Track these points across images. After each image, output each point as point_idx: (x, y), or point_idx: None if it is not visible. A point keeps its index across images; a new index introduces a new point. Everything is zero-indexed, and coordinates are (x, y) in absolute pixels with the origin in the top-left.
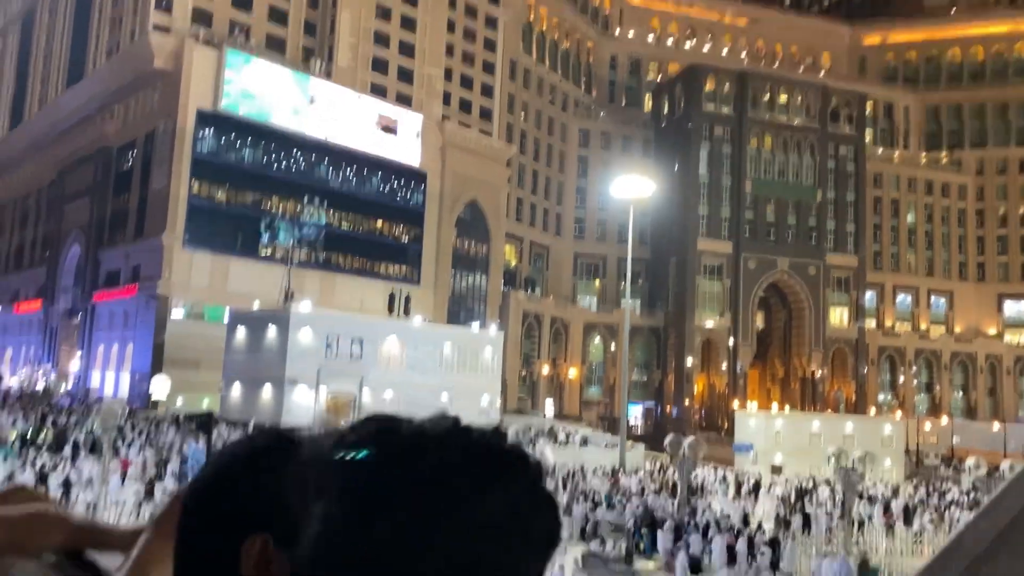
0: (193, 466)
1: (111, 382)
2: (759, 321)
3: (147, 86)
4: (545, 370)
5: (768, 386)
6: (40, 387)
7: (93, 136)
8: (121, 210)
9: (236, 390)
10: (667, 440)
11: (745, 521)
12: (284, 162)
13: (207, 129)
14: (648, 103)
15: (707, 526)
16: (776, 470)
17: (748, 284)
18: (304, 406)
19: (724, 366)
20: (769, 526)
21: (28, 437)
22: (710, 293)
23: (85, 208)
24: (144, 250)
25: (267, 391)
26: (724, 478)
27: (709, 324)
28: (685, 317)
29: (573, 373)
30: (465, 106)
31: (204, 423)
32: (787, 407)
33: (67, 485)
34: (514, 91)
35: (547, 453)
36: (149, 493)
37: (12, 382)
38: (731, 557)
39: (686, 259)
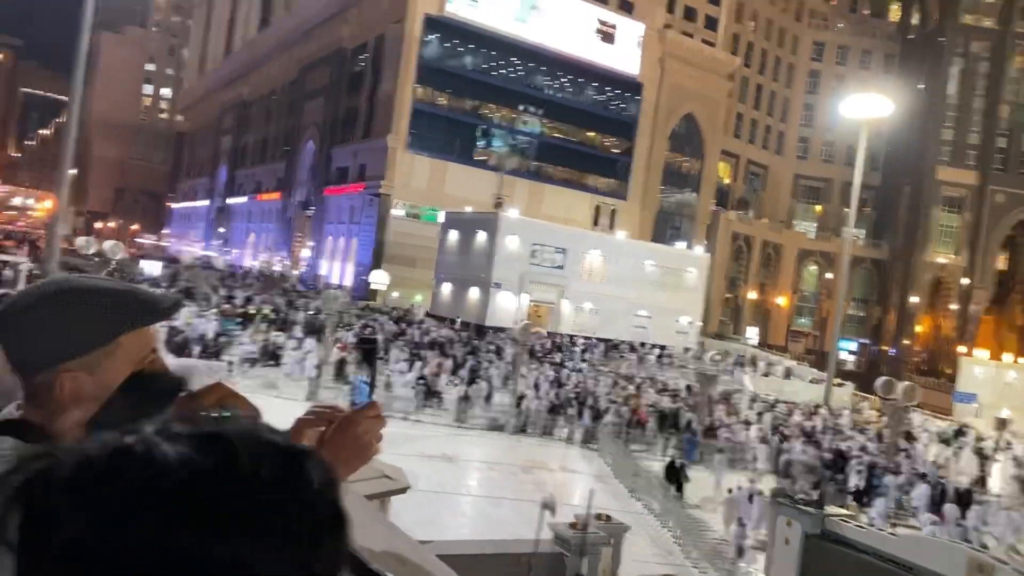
0: (357, 397)
1: (337, 272)
2: (1001, 262)
3: None
4: (752, 295)
5: (1004, 335)
6: (276, 270)
7: (331, 38)
8: (352, 110)
9: (446, 289)
10: (878, 382)
11: (981, 482)
12: (503, 69)
13: (433, 34)
14: (895, 13)
15: (918, 475)
16: (1001, 424)
17: (993, 220)
18: (507, 310)
19: (954, 308)
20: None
21: (260, 313)
22: (946, 227)
23: (320, 107)
24: (370, 150)
25: (474, 293)
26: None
27: (941, 260)
28: (914, 251)
29: (782, 301)
30: (690, 14)
31: (368, 353)
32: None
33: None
34: None
35: (745, 382)
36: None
37: (254, 264)
38: (936, 510)
39: (922, 188)
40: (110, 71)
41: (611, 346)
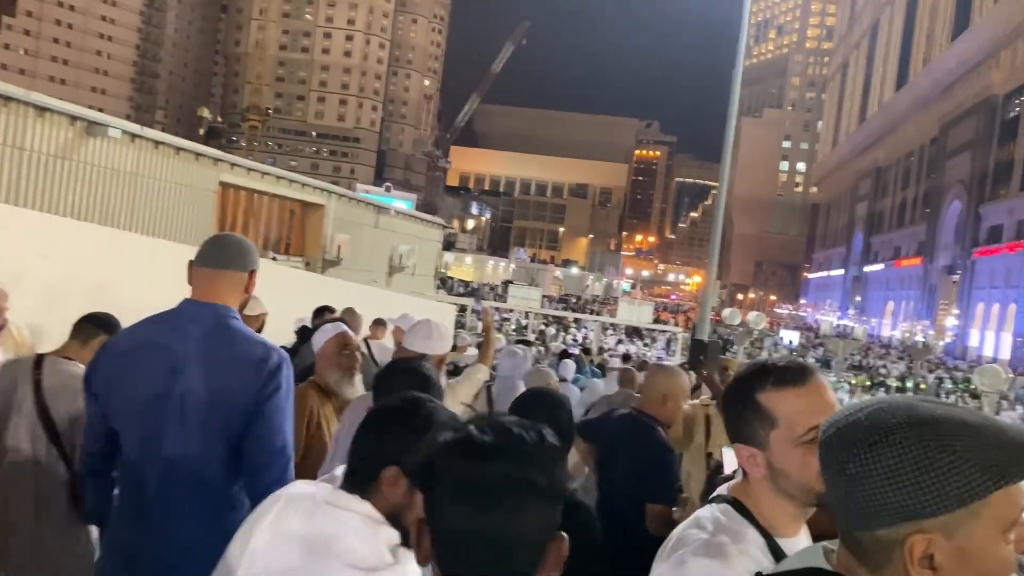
0: None
1: (991, 343)
2: None
3: None
4: None
5: None
6: (919, 340)
7: (977, 87)
8: (1005, 162)
9: None
10: None
11: None
12: None
13: None
14: None
15: None
16: None
17: None
18: None
19: None
20: None
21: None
22: None
23: (966, 162)
24: None
25: None
26: None
27: None
28: None
29: None
30: None
31: None
32: None
33: None
34: None
35: None
36: None
37: (894, 333)
38: None
39: None
40: (750, 153)
41: None
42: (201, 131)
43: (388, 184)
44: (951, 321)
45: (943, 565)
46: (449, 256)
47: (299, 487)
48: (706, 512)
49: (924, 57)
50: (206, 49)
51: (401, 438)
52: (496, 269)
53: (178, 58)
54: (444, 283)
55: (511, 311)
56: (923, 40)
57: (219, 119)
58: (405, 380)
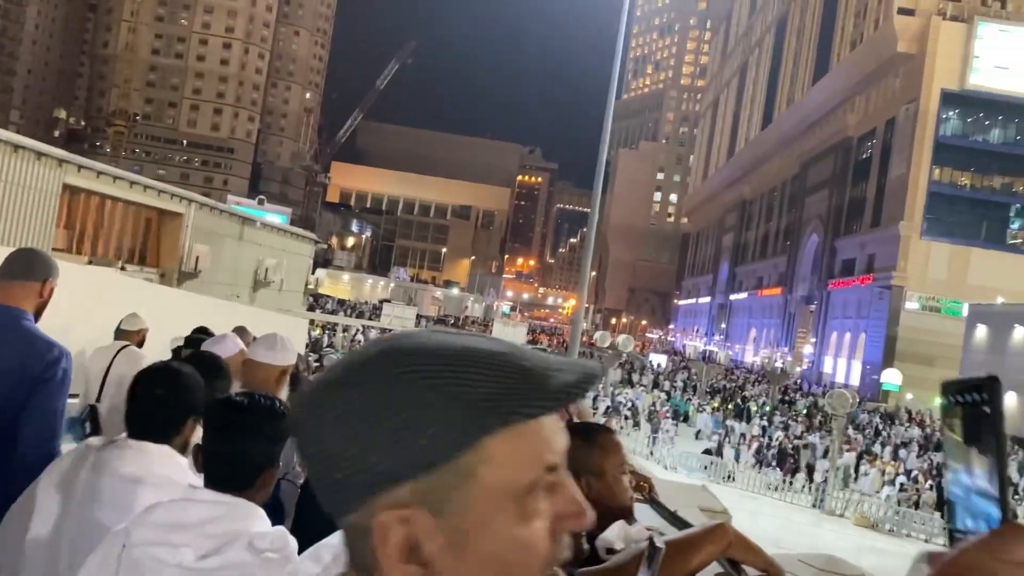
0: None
1: (842, 370)
2: None
3: (888, 73)
4: None
5: None
6: (777, 366)
7: (834, 128)
8: (858, 199)
9: None
10: None
11: None
12: None
13: (951, 110)
14: None
15: None
16: None
17: None
18: None
19: None
20: None
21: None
22: None
23: (824, 199)
24: (879, 240)
25: (1010, 399)
26: None
27: None
28: None
29: None
30: None
31: (989, 426)
32: None
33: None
34: None
35: None
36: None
37: (755, 360)
38: None
39: None
40: (626, 182)
41: None
42: (56, 133)
43: (262, 197)
44: (808, 348)
45: (434, 556)
46: (324, 274)
47: (99, 441)
48: None
49: (788, 99)
50: (70, 48)
51: (191, 397)
52: (375, 288)
53: (38, 56)
54: (317, 300)
55: (386, 331)
56: (787, 82)
57: (82, 123)
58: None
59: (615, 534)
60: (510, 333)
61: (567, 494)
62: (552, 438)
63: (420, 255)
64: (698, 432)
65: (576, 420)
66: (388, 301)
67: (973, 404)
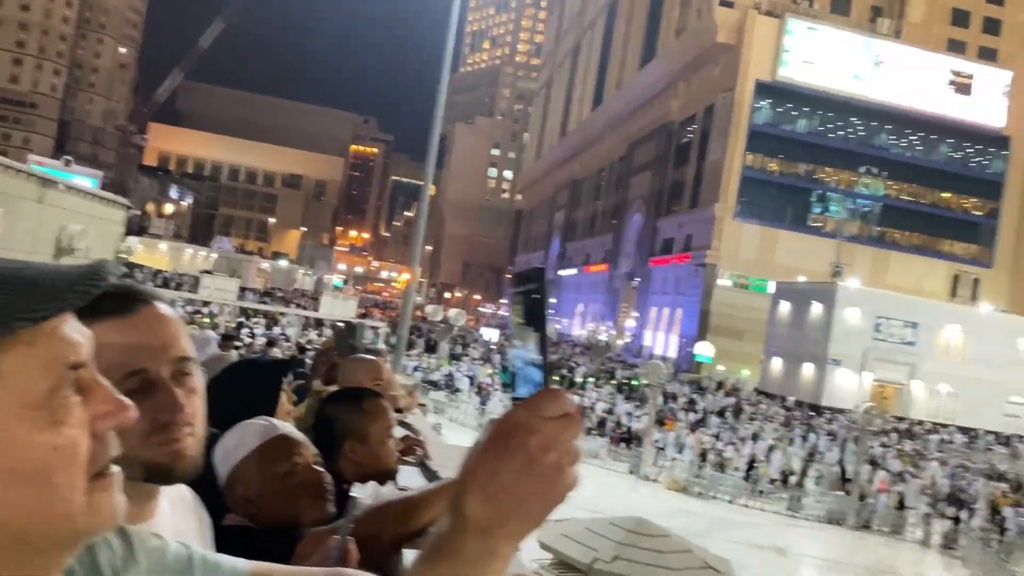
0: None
1: (661, 343)
2: None
3: (709, 62)
4: None
5: None
6: (602, 340)
7: (658, 113)
8: (678, 182)
9: (776, 364)
10: None
11: None
12: (841, 130)
13: (764, 100)
14: None
15: None
16: None
17: None
18: (846, 389)
19: None
20: None
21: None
22: None
23: (648, 180)
24: (697, 220)
25: (807, 369)
26: None
27: None
28: None
29: None
30: None
31: (535, 305)
32: None
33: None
34: None
35: None
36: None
37: (581, 333)
38: None
39: None
40: (462, 157)
41: (972, 436)
42: None
43: (68, 158)
44: (630, 323)
45: None
46: (137, 242)
47: None
48: None
49: (617, 81)
50: None
51: None
52: (195, 258)
53: None
54: (131, 270)
55: (206, 304)
56: (617, 66)
57: None
58: None
59: (367, 494)
60: (339, 307)
61: (101, 393)
62: (71, 336)
63: (246, 224)
64: None
65: (391, 394)
66: (209, 272)
67: (529, 292)
